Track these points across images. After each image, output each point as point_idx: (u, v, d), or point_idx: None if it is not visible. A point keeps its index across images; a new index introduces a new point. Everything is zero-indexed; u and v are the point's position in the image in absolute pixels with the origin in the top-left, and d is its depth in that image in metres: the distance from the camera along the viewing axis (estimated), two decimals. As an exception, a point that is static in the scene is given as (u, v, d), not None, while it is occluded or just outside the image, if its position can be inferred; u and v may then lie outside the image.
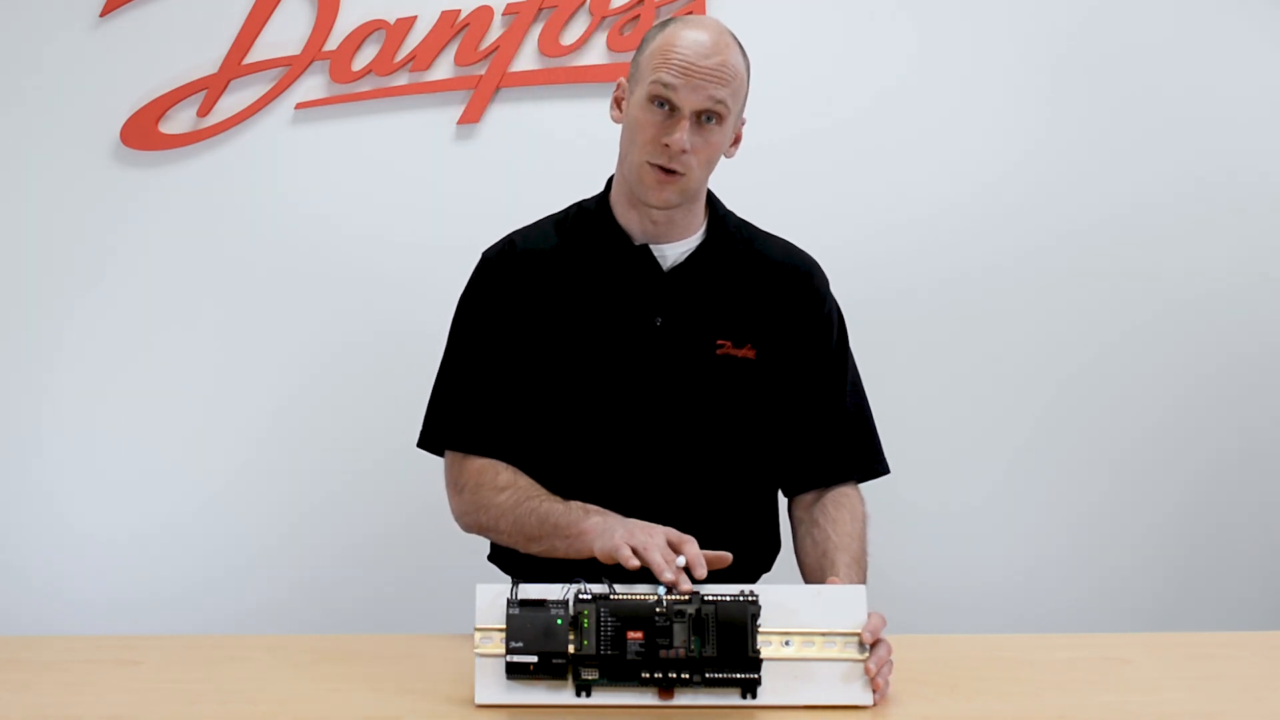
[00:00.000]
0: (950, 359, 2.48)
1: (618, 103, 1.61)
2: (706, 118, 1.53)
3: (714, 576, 1.41)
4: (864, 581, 1.54)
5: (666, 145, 1.52)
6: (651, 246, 1.62)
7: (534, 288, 1.63)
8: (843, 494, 1.64)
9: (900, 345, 2.43)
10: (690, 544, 1.36)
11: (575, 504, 1.52)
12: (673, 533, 1.38)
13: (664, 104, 1.52)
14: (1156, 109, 2.46)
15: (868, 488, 1.69)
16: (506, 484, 1.58)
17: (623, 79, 1.61)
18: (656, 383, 1.60)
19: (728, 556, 1.37)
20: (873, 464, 1.69)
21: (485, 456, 1.62)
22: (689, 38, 1.53)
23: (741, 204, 1.73)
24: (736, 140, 1.61)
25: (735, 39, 1.57)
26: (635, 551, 1.34)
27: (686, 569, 1.32)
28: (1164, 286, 2.48)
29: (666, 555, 1.33)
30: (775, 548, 1.72)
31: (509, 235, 1.70)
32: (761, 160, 2.19)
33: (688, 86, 1.51)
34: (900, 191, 2.45)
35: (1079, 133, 2.46)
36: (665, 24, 1.58)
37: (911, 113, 2.45)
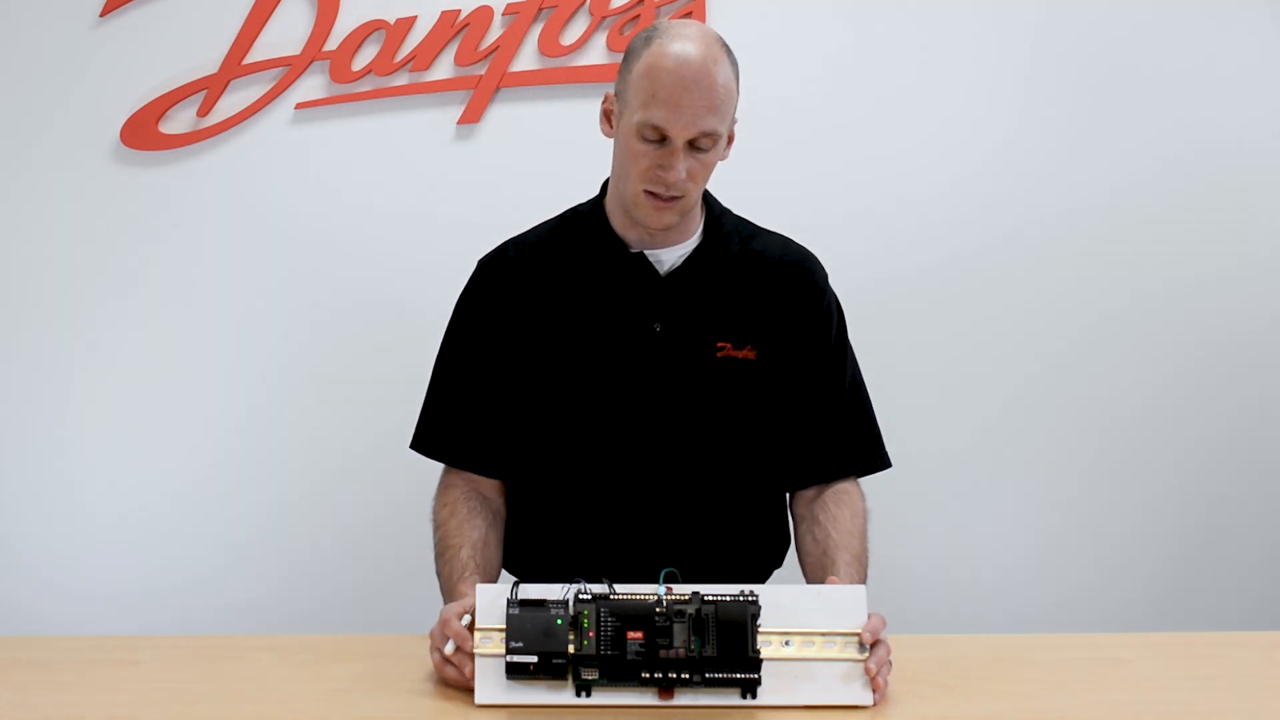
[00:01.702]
0: (951, 358, 2.48)
1: (606, 116, 1.57)
2: (701, 144, 1.50)
3: (720, 575, 1.41)
4: (865, 579, 1.54)
5: (662, 176, 1.50)
6: (647, 252, 1.61)
7: (529, 297, 1.62)
8: (843, 490, 1.63)
9: (899, 344, 2.43)
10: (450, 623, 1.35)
11: (460, 568, 1.54)
12: (441, 626, 1.36)
13: (655, 137, 1.49)
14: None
15: (868, 484, 1.68)
16: (444, 519, 1.61)
17: (610, 93, 1.57)
18: (658, 389, 1.59)
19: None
20: (873, 458, 1.68)
21: (464, 470, 1.65)
22: (675, 60, 1.46)
23: (728, 191, 1.72)
24: (730, 140, 1.58)
25: (722, 48, 1.51)
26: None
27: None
28: (1164, 286, 2.48)
29: (438, 663, 1.35)
30: (785, 543, 1.71)
31: (504, 243, 1.69)
32: (743, 148, 2.19)
33: (678, 122, 1.47)
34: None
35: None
36: (650, 38, 1.50)
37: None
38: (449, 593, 1.53)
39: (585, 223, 1.65)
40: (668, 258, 1.61)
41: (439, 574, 1.58)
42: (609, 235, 1.62)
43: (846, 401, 1.67)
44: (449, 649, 1.32)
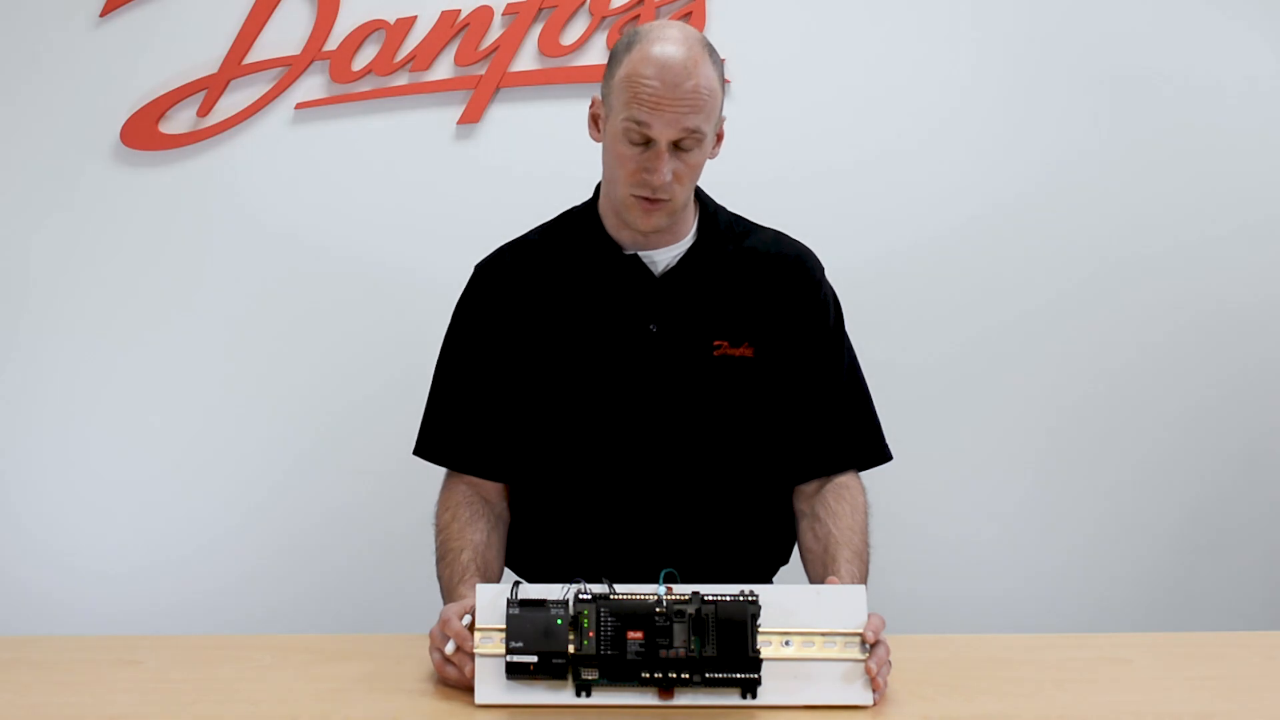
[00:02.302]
0: (952, 356, 2.48)
1: (594, 120, 1.58)
2: (685, 144, 1.50)
3: (725, 573, 1.40)
4: (866, 575, 1.54)
5: (648, 178, 1.50)
6: (641, 254, 1.61)
7: (525, 301, 1.63)
8: (844, 485, 1.63)
9: (899, 342, 2.43)
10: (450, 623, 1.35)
11: (460, 571, 1.53)
12: (441, 625, 1.36)
13: (640, 138, 1.50)
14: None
15: (869, 481, 1.68)
16: (446, 523, 1.61)
17: (597, 96, 1.58)
18: (655, 390, 1.59)
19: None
20: (874, 451, 1.67)
21: (466, 473, 1.65)
22: (656, 62, 1.47)
23: (728, 190, 1.72)
24: (719, 139, 1.58)
25: (704, 47, 1.51)
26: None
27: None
28: (1165, 290, 2.48)
29: (438, 663, 1.34)
30: (791, 539, 1.71)
31: (500, 247, 1.70)
32: (744, 148, 2.19)
33: (661, 121, 1.47)
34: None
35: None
36: (631, 41, 1.51)
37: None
38: (449, 595, 1.53)
39: (579, 226, 1.65)
40: (662, 258, 1.61)
41: (440, 577, 1.58)
42: (603, 238, 1.62)
43: (845, 394, 1.67)
44: (449, 649, 1.32)
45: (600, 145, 1.59)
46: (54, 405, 2.46)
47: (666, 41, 1.49)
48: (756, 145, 2.36)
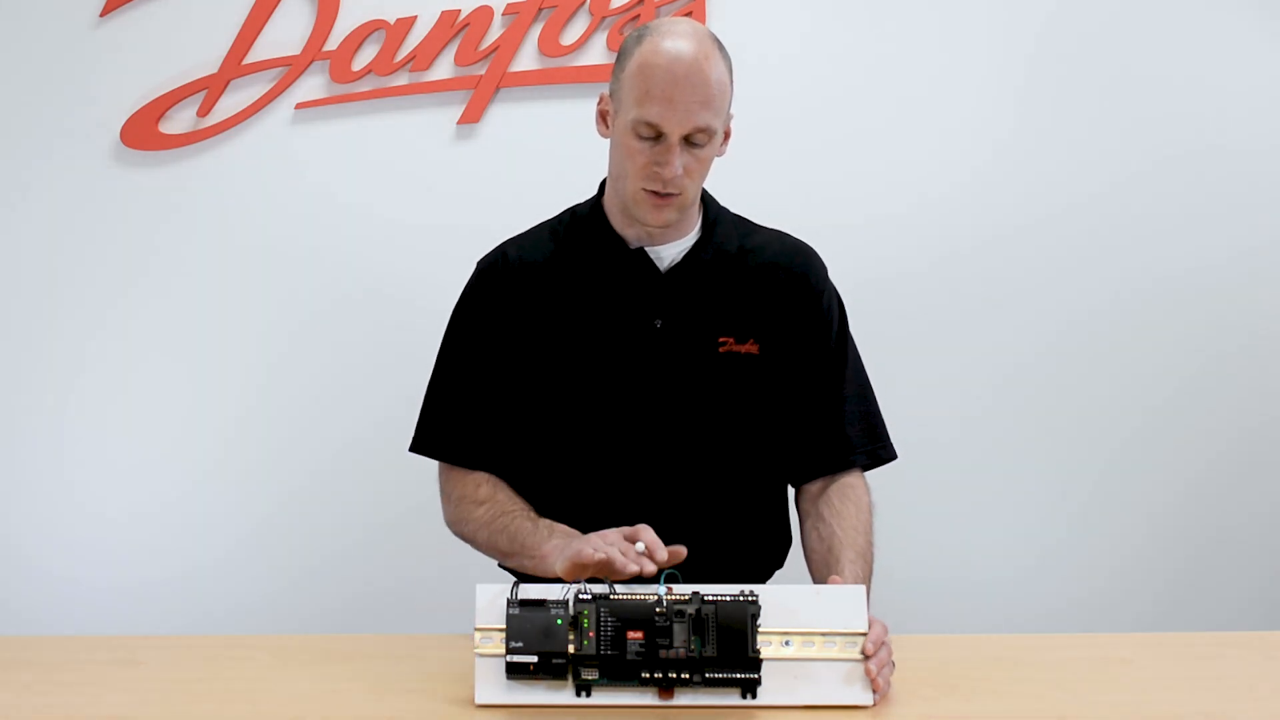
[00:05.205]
0: (955, 359, 2.48)
1: (602, 116, 1.58)
2: (696, 139, 1.51)
3: (722, 574, 1.41)
4: (870, 575, 1.54)
5: (659, 172, 1.51)
6: (647, 249, 1.61)
7: (529, 297, 1.62)
8: (848, 484, 1.63)
9: (903, 345, 2.43)
10: (645, 530, 1.36)
11: (544, 523, 1.53)
12: (626, 529, 1.38)
13: (651, 134, 1.50)
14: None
15: (871, 480, 1.68)
16: (485, 498, 1.60)
17: (605, 93, 1.58)
18: (660, 385, 1.59)
19: (682, 551, 1.36)
20: (878, 450, 1.67)
21: (471, 469, 1.64)
22: (667, 57, 1.47)
23: (729, 190, 1.72)
24: (726, 136, 1.58)
25: (714, 44, 1.52)
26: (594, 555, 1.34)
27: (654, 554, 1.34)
28: (1165, 283, 2.48)
29: (624, 549, 1.34)
30: (786, 544, 1.71)
31: (503, 244, 1.69)
32: (745, 147, 2.19)
33: (672, 118, 1.48)
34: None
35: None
36: (641, 36, 1.52)
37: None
38: (537, 547, 1.49)
39: (584, 222, 1.65)
40: (667, 254, 1.61)
41: (499, 547, 1.56)
42: (608, 233, 1.62)
43: (849, 392, 1.67)
44: (640, 547, 1.32)
45: (607, 142, 1.59)
46: (53, 404, 2.46)
47: (677, 37, 1.49)
48: (756, 144, 2.36)
